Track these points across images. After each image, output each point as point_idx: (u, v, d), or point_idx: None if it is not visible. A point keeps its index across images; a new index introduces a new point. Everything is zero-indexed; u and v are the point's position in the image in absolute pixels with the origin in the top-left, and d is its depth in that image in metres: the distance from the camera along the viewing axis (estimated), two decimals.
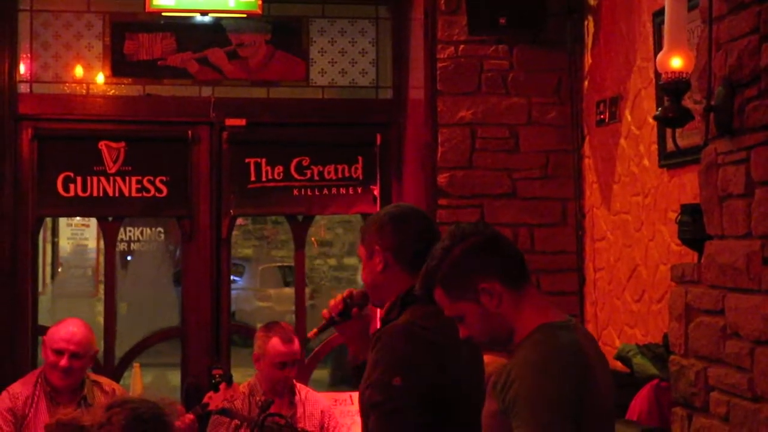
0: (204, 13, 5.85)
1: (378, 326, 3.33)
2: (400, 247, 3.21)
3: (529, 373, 2.52)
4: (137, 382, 5.95)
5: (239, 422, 4.86)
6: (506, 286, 2.69)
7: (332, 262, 18.57)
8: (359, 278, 3.47)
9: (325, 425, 5.09)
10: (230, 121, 5.92)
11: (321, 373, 9.73)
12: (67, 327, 4.95)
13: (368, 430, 3.14)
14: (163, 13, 5.81)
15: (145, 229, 9.46)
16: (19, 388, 4.93)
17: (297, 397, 5.10)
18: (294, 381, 5.20)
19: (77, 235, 10.92)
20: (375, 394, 3.04)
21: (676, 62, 3.58)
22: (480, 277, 2.69)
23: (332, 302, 3.43)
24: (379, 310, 3.44)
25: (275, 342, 5.05)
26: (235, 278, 15.69)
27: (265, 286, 16.94)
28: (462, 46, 5.66)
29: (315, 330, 3.55)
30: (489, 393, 2.63)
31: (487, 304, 2.69)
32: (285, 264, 17.02)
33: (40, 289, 6.28)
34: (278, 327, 5.17)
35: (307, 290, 8.96)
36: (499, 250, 2.74)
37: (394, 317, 3.17)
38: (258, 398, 4.99)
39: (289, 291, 12.39)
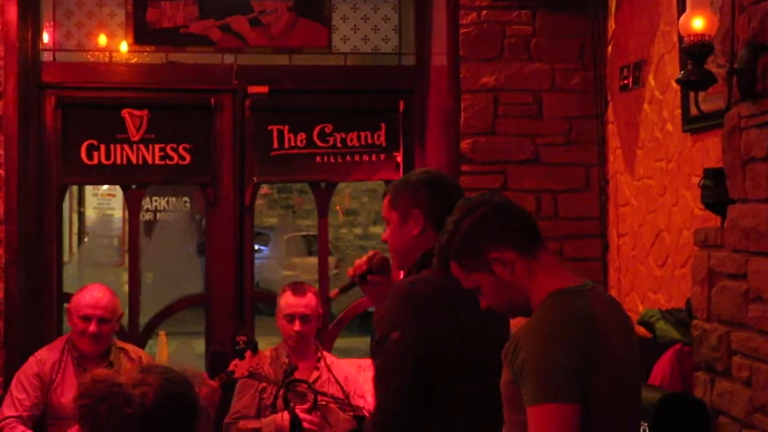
0: None
1: None
2: (435, 211, 3.23)
3: (534, 340, 2.53)
4: (163, 350, 6.02)
5: (266, 385, 4.88)
6: (518, 253, 2.69)
7: (358, 231, 18.63)
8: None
9: (350, 393, 5.08)
10: (253, 89, 5.91)
11: (349, 342, 9.74)
12: (91, 293, 4.98)
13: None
14: None
15: (171, 198, 9.51)
16: (46, 354, 4.97)
17: (321, 363, 5.11)
18: (319, 345, 5.21)
19: (103, 205, 10.99)
20: (374, 349, 3.11)
21: (698, 23, 3.56)
22: (491, 246, 2.70)
23: (357, 262, 3.49)
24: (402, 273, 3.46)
25: (286, 295, 5.08)
26: (261, 247, 15.77)
27: (290, 255, 17.02)
28: (485, 12, 5.63)
29: (336, 290, 3.61)
30: (504, 361, 2.64)
31: (500, 273, 2.69)
32: (311, 233, 17.08)
33: (66, 258, 6.32)
34: (295, 283, 5.20)
35: (333, 259, 9.00)
36: (508, 218, 2.74)
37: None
38: (282, 361, 5.01)
39: (314, 260, 12.39)
